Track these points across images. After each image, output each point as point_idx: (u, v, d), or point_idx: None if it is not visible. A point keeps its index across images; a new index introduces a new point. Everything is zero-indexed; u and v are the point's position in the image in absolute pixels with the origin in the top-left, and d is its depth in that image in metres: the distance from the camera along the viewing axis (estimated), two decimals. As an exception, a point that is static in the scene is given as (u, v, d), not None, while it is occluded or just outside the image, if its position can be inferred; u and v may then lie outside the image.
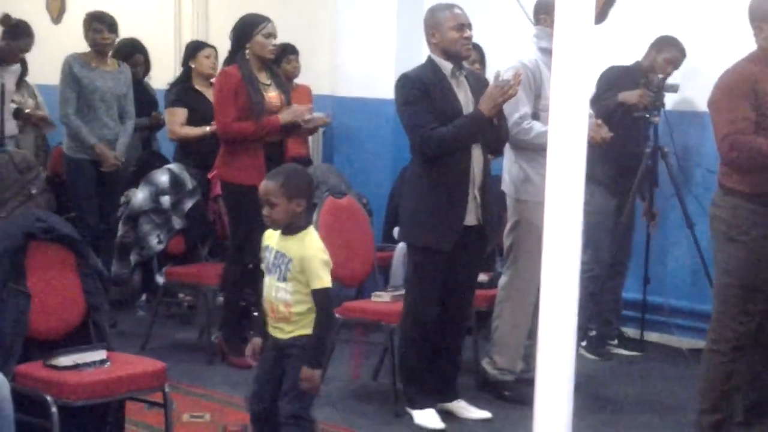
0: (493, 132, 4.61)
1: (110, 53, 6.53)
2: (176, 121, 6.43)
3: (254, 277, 5.67)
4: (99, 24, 6.36)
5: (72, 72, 6.22)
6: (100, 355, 3.94)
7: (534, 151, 4.78)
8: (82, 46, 6.46)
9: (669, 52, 5.79)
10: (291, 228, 3.70)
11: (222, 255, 6.25)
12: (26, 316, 3.92)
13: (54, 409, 3.69)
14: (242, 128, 5.38)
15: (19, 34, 6.71)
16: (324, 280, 3.64)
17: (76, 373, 3.79)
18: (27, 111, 7.16)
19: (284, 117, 5.40)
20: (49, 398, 3.70)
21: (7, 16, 6.78)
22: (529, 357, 4.98)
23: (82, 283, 4.15)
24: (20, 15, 9.03)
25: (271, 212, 3.68)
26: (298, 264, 3.64)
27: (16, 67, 6.89)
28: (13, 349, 3.85)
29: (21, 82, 7.48)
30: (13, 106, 7.00)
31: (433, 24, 4.61)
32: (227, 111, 5.39)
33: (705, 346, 4.37)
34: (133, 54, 6.97)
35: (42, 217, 4.15)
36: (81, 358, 3.87)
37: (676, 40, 5.82)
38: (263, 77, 5.51)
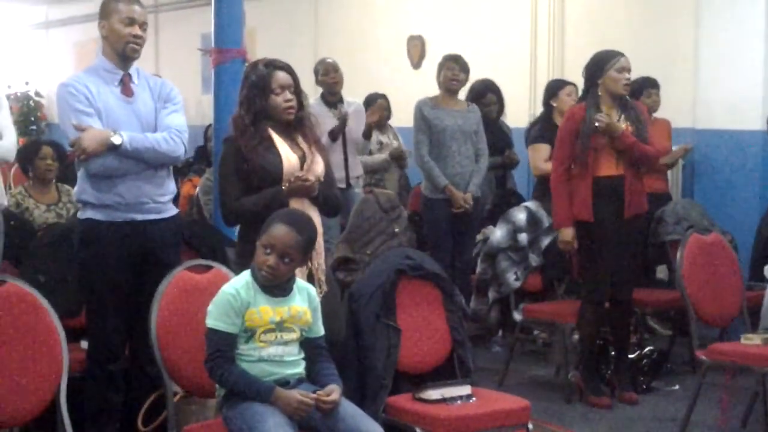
0: None
1: (461, 93, 6.67)
2: (540, 157, 6.47)
3: (611, 316, 5.58)
4: (453, 64, 6.54)
5: (422, 115, 6.40)
6: (466, 389, 4.01)
7: None
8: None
9: None
10: None
11: (578, 292, 6.18)
12: (397, 349, 4.09)
13: (423, 441, 3.80)
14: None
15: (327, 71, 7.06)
16: None
17: (444, 407, 3.88)
18: (393, 146, 7.50)
19: None
20: (418, 430, 3.81)
21: (321, 60, 7.18)
22: None
23: (447, 319, 4.27)
24: (382, 61, 9.56)
25: None
26: None
27: (358, 105, 7.18)
28: (384, 381, 4.02)
29: (385, 125, 7.86)
30: (378, 147, 7.35)
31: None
32: (562, 150, 5.43)
33: None
34: (485, 94, 7.07)
35: (411, 254, 4.32)
36: (448, 392, 3.95)
37: None
38: (613, 114, 5.42)
